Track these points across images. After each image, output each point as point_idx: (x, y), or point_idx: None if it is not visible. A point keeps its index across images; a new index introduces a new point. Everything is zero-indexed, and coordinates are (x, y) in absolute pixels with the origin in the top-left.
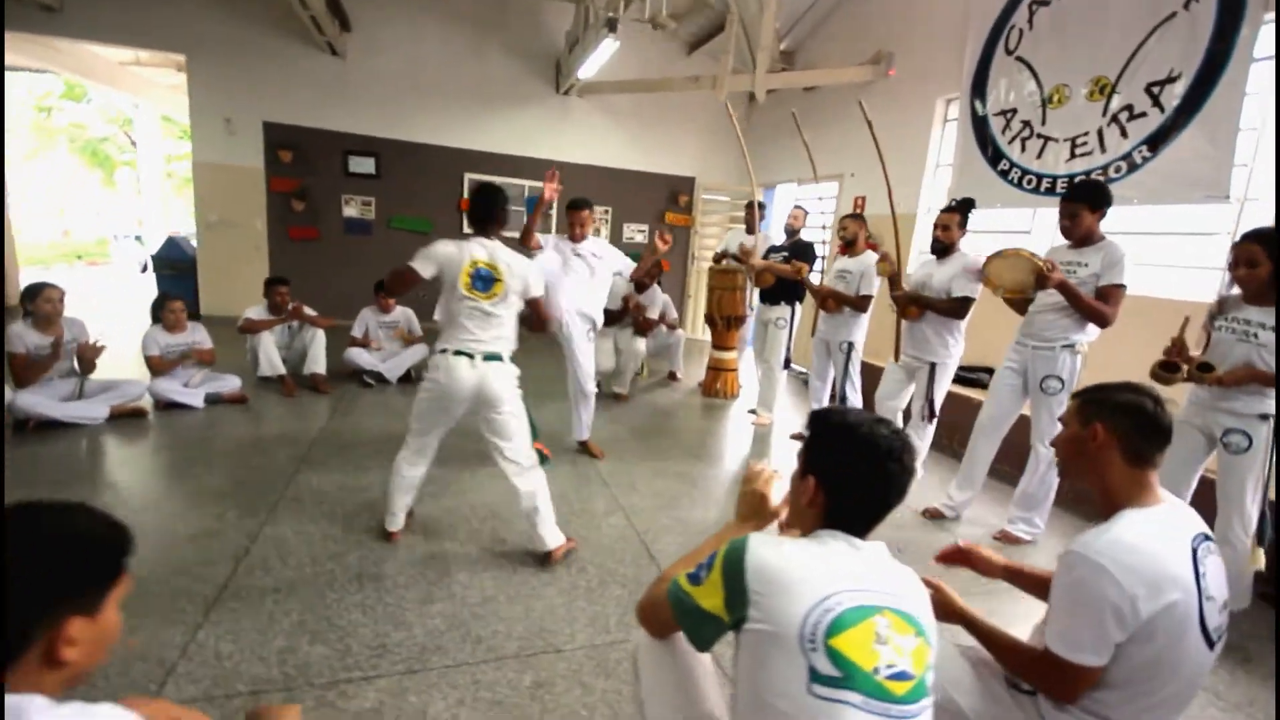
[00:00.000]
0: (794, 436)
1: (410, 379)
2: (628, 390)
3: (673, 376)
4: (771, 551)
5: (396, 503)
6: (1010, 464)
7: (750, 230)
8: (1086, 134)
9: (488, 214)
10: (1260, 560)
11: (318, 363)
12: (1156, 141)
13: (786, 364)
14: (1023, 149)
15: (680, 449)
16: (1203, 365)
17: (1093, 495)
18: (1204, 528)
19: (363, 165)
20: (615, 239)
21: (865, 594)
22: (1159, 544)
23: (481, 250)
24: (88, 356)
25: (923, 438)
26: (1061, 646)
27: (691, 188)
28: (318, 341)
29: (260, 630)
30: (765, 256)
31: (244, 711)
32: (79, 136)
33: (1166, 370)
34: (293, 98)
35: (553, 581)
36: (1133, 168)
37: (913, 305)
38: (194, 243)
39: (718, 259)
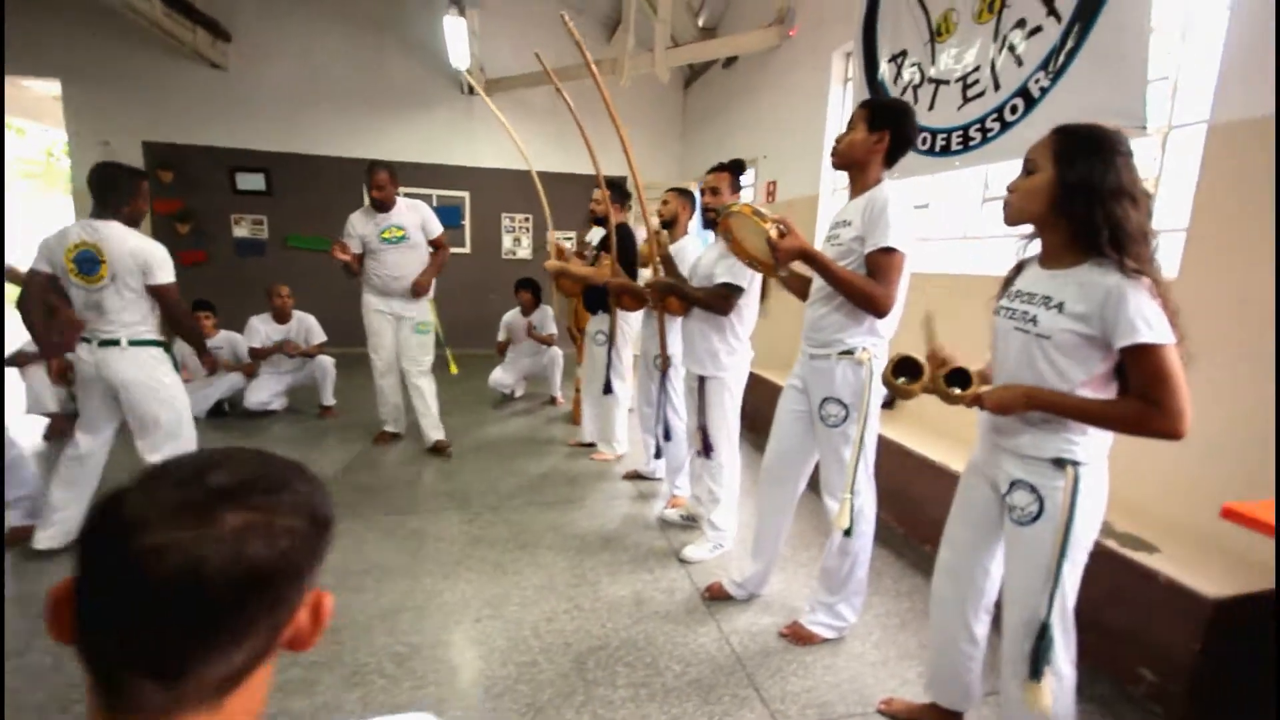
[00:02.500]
0: (628, 476)
1: (222, 413)
2: (400, 427)
3: (553, 401)
4: None
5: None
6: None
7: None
8: (978, 69)
9: (102, 195)
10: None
11: None
12: (1055, 62)
13: (607, 388)
14: (915, 100)
15: (451, 497)
16: (955, 374)
17: None
18: None
19: (251, 182)
20: (538, 247)
21: None
22: None
23: (88, 232)
24: None
25: (713, 479)
26: None
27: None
28: None
29: None
30: (596, 255)
31: None
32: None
33: (901, 374)
34: (171, 115)
35: None
36: (1030, 104)
37: (671, 296)
38: None
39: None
